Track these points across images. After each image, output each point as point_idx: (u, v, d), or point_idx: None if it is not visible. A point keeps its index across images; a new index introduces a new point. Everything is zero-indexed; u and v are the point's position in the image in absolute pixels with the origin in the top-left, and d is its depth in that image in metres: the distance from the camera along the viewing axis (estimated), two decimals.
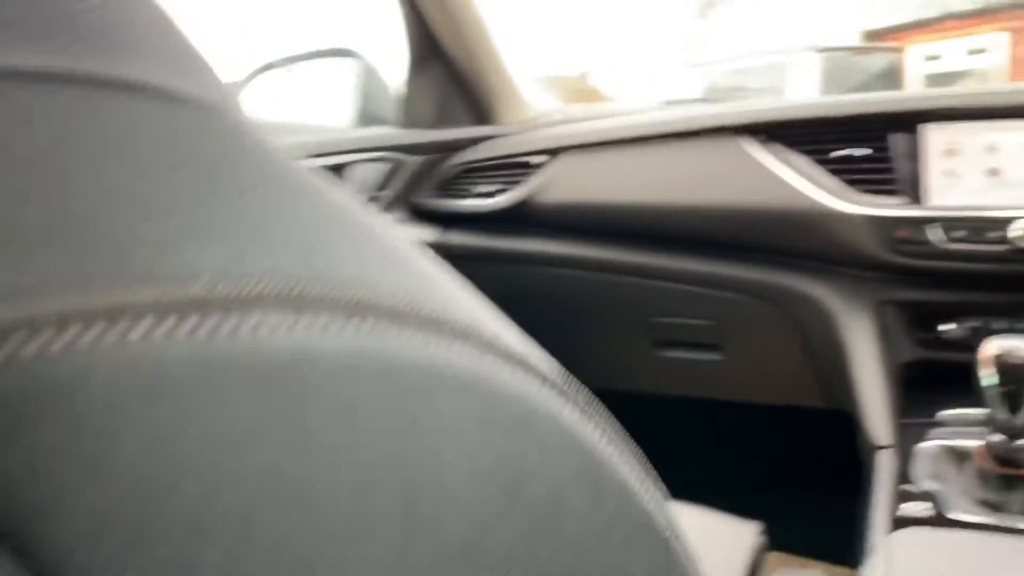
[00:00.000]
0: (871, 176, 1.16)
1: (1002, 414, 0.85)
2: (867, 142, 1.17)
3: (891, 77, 9.34)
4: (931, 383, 1.15)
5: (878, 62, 9.54)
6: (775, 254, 1.24)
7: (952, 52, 12.59)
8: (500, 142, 1.50)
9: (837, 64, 9.18)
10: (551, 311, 1.48)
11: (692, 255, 1.31)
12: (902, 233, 1.09)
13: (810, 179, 1.18)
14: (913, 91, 1.29)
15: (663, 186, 1.29)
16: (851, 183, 1.16)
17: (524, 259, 1.45)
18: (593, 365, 1.54)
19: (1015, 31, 11.36)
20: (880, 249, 1.11)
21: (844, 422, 1.21)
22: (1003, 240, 1.04)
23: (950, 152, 1.12)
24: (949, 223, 1.07)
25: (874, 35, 14.00)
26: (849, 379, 1.16)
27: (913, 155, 1.13)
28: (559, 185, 1.38)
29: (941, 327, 1.14)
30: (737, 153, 1.24)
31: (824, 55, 9.02)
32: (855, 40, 12.51)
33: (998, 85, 1.20)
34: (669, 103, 1.83)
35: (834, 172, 1.17)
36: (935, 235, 1.08)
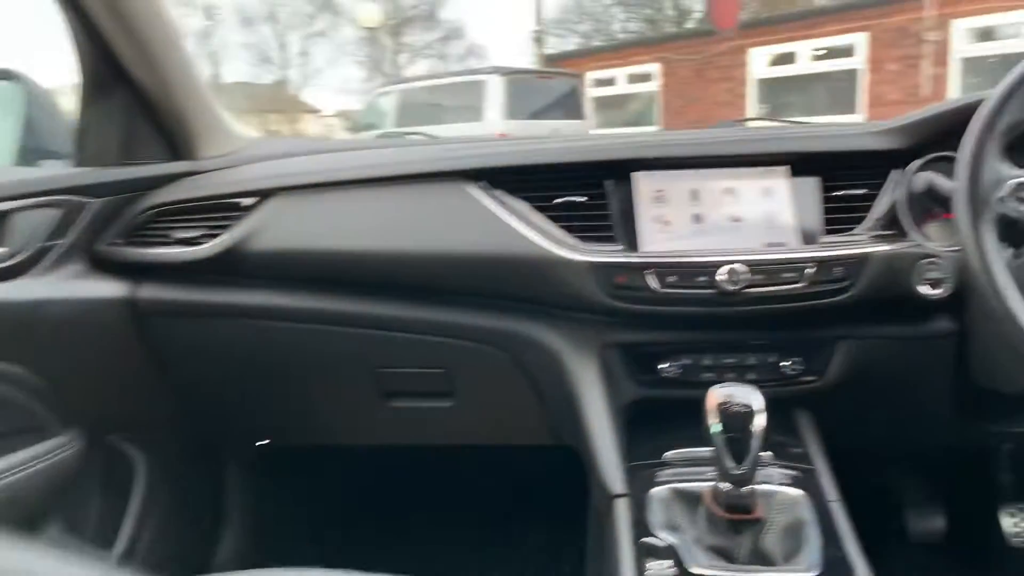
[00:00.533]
0: (590, 223, 1.18)
1: (728, 462, 0.89)
2: (584, 189, 1.19)
3: (572, 98, 10.10)
4: (655, 419, 1.20)
5: (560, 85, 10.27)
6: (502, 300, 1.23)
7: (621, 78, 13.99)
8: (202, 180, 1.33)
9: (524, 85, 9.76)
10: (270, 368, 1.35)
11: (418, 303, 1.25)
12: (621, 279, 1.12)
13: (533, 226, 1.17)
14: (626, 138, 1.34)
15: (386, 232, 1.22)
16: (572, 230, 1.17)
17: (236, 313, 1.30)
18: (319, 421, 1.43)
19: (664, 62, 12.89)
20: (602, 295, 1.14)
21: (576, 459, 1.23)
22: (711, 284, 1.11)
23: (659, 199, 1.18)
24: (663, 269, 1.12)
25: (553, 60, 15.15)
26: (579, 421, 1.18)
27: (628, 202, 1.17)
28: (273, 230, 1.25)
29: (660, 366, 1.20)
30: (461, 199, 1.20)
31: (509, 77, 9.53)
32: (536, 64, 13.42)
33: (701, 134, 1.29)
34: (386, 135, 1.75)
35: (556, 219, 1.18)
36: (651, 281, 1.12)
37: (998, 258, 0.85)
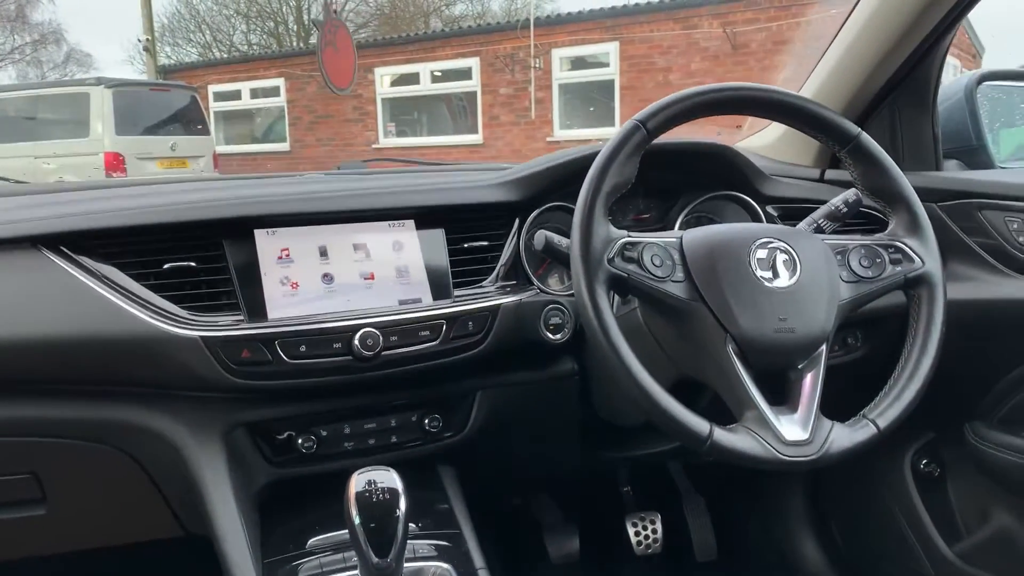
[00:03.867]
0: (205, 291, 1.05)
1: (373, 557, 0.83)
2: (197, 251, 1.06)
3: (191, 112, 9.48)
4: (296, 497, 1.10)
5: (177, 98, 9.59)
6: (101, 387, 1.04)
7: (245, 92, 13.46)
8: None
9: (136, 98, 8.94)
10: None
11: None
12: (245, 354, 1.01)
13: (132, 298, 1.01)
14: (244, 193, 1.20)
15: None
16: (184, 299, 1.03)
17: None
18: None
19: (289, 77, 12.70)
20: (223, 373, 1.01)
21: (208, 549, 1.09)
22: (346, 351, 1.05)
23: (286, 259, 1.09)
24: (291, 338, 1.03)
25: (169, 71, 14.12)
26: (206, 515, 1.04)
27: (251, 264, 1.06)
28: None
29: (295, 442, 1.10)
30: (38, 269, 1.00)
31: (116, 89, 8.69)
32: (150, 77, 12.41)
33: (327, 184, 1.21)
34: None
35: (162, 288, 1.03)
36: (279, 353, 1.03)
37: (610, 315, 0.90)
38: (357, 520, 0.83)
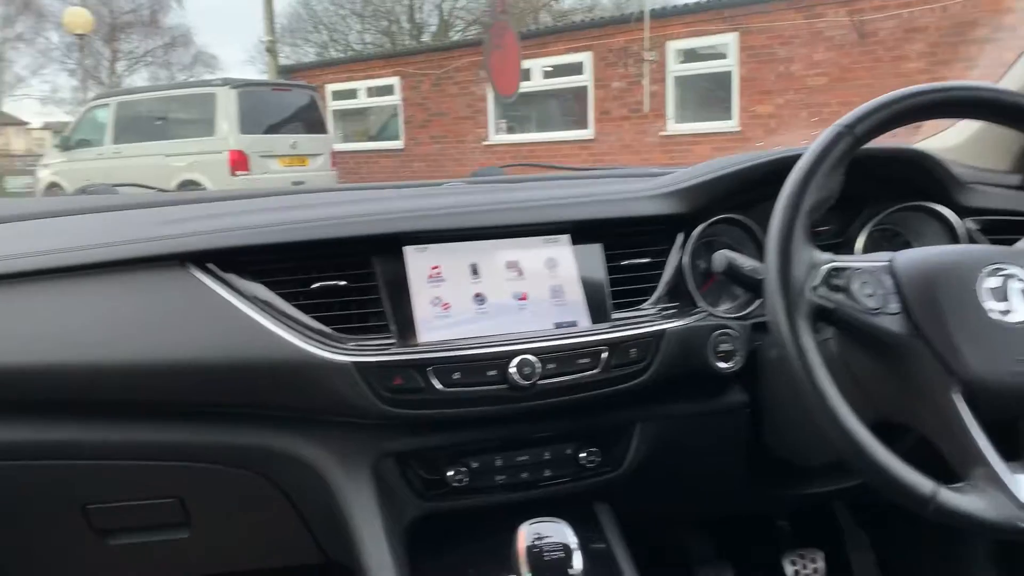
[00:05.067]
0: (354, 311, 0.99)
1: None
2: (346, 270, 1.00)
3: (311, 111, 9.73)
4: (444, 534, 1.03)
5: (297, 97, 9.85)
6: (246, 411, 1.00)
7: (361, 91, 13.74)
8: None
9: (259, 98, 9.23)
10: None
11: (133, 423, 0.99)
12: (398, 381, 0.95)
13: (281, 319, 0.95)
14: (391, 207, 1.07)
15: (87, 338, 0.95)
16: (331, 321, 0.98)
17: None
18: (20, 570, 1.11)
19: (404, 75, 12.86)
20: (375, 401, 0.94)
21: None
22: (501, 379, 0.97)
23: (436, 277, 1.02)
24: (446, 364, 0.96)
25: (289, 71, 14.56)
26: (352, 549, 0.98)
27: (400, 283, 1.00)
28: None
29: (447, 474, 1.03)
30: (186, 289, 0.96)
31: (241, 90, 8.99)
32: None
33: (476, 197, 1.13)
34: (88, 190, 1.43)
35: (311, 309, 0.98)
36: (431, 380, 0.95)
37: (816, 354, 0.78)
38: None
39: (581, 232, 1.07)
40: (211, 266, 0.97)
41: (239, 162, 8.74)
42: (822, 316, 0.81)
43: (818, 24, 9.74)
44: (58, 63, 21.95)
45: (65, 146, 9.95)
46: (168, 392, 0.96)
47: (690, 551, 1.52)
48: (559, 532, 0.77)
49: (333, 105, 13.70)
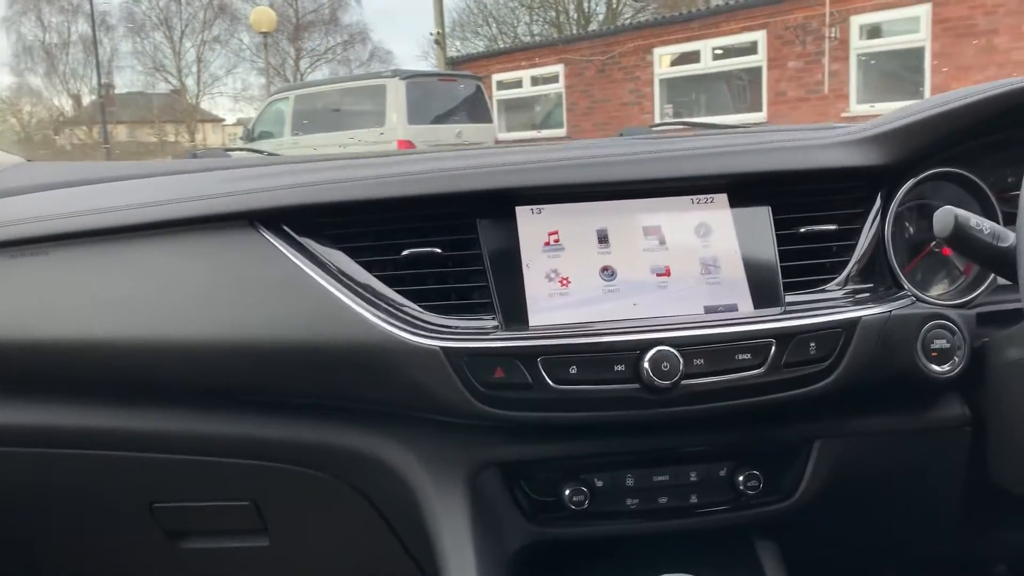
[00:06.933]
0: (453, 284, 0.80)
1: None
2: (445, 235, 0.81)
3: (476, 101, 9.76)
4: (557, 570, 0.83)
5: (463, 88, 9.93)
6: (322, 402, 0.83)
7: (526, 80, 13.71)
8: None
9: (426, 89, 9.37)
10: None
11: (202, 412, 0.84)
12: (499, 374, 0.74)
13: (360, 292, 0.78)
14: (504, 159, 0.84)
15: (144, 310, 0.81)
16: (425, 296, 0.79)
17: None
18: (88, 572, 1.01)
19: (568, 63, 12.69)
20: (469, 398, 0.75)
21: None
22: (633, 376, 0.75)
23: (554, 246, 0.81)
24: (561, 356, 0.75)
25: (457, 63, 14.75)
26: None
27: (510, 252, 0.80)
28: None
29: (562, 493, 0.82)
30: (254, 254, 0.80)
31: (409, 81, 9.14)
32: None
33: (607, 147, 0.90)
34: (196, 154, 1.32)
35: (398, 281, 0.80)
36: (542, 374, 0.75)
37: None
38: None
39: (743, 190, 0.83)
40: (286, 228, 0.81)
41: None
42: None
43: None
44: (248, 62, 23.51)
45: (248, 138, 10.52)
46: (229, 374, 0.81)
47: None
48: None
49: (498, 95, 13.74)
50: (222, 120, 27.00)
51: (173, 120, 23.14)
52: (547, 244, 0.81)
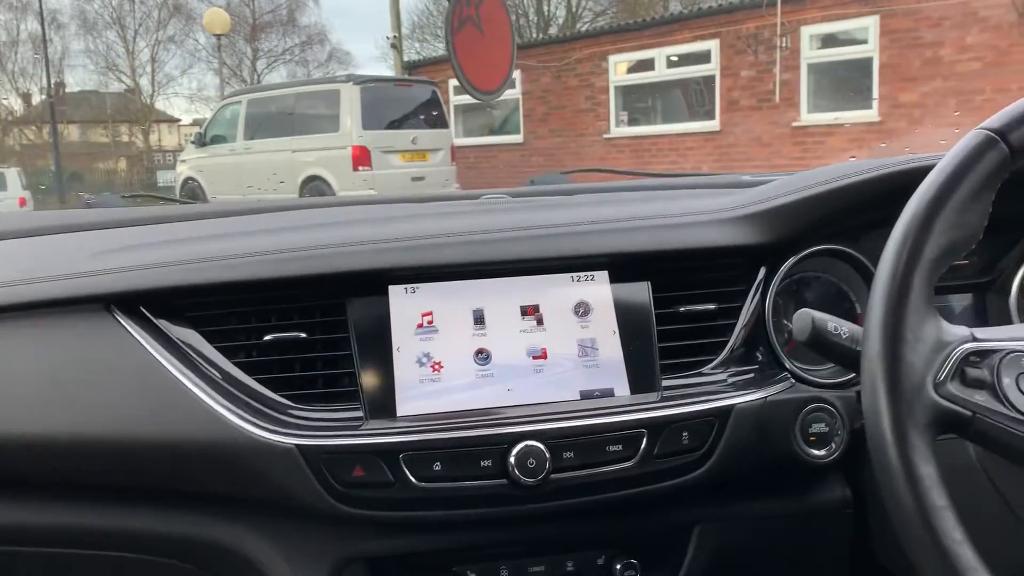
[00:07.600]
0: (316, 373, 0.77)
1: None
2: (312, 317, 0.78)
3: (432, 106, 9.70)
4: None
5: (419, 93, 9.87)
6: (174, 494, 0.79)
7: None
8: None
9: (381, 94, 9.29)
10: None
11: (53, 503, 0.80)
12: (358, 472, 0.71)
13: (219, 384, 0.74)
14: (379, 232, 0.82)
15: None
16: (286, 385, 0.76)
17: None
18: None
19: (525, 69, 12.67)
20: (324, 497, 0.72)
21: None
22: (502, 473, 0.72)
23: (428, 328, 0.78)
24: (424, 452, 0.72)
25: (415, 67, 14.65)
26: None
27: (380, 335, 0.77)
28: None
29: None
30: (106, 340, 0.76)
31: (363, 86, 9.05)
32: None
33: (489, 225, 0.87)
34: (88, 202, 1.27)
35: (260, 368, 0.76)
36: (404, 472, 0.72)
37: (939, 490, 0.50)
38: None
39: (624, 267, 0.81)
40: (143, 310, 0.77)
41: (361, 158, 8.81)
42: (951, 426, 0.53)
43: (972, 3, 8.87)
44: (204, 63, 23.09)
45: (200, 142, 10.34)
46: (74, 471, 0.76)
47: None
48: None
49: (455, 100, 13.67)
50: (178, 120, 26.55)
51: (127, 120, 22.68)
52: (420, 326, 0.78)
